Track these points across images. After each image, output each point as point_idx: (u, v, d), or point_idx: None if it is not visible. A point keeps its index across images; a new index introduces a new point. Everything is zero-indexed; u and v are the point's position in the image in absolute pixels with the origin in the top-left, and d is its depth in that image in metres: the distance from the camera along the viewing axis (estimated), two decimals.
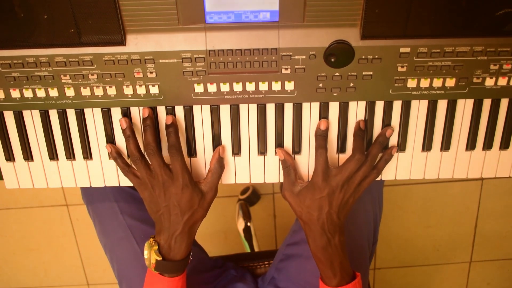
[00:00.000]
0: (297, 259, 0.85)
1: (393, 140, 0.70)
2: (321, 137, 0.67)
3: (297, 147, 0.70)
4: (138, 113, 0.68)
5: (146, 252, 0.70)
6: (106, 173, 0.71)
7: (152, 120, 0.66)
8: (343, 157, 0.70)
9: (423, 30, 0.61)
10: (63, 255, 1.68)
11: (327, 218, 0.67)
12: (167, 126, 0.67)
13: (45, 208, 1.60)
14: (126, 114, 0.68)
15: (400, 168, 0.72)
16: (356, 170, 0.66)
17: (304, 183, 0.69)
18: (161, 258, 0.68)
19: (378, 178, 0.72)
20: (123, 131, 0.67)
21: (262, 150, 0.70)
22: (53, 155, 0.70)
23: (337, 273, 0.69)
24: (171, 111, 0.67)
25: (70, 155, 0.70)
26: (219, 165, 0.69)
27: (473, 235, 1.64)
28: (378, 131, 0.69)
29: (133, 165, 0.68)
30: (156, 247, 0.69)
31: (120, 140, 0.69)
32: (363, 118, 0.68)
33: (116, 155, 0.68)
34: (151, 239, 0.70)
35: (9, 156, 0.70)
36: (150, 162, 0.66)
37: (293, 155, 0.70)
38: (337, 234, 0.68)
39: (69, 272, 1.71)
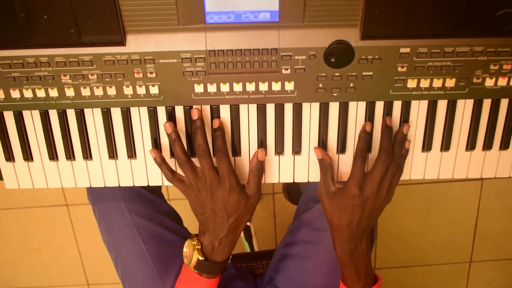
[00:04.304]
0: (295, 259, 0.85)
1: None
2: (365, 140, 0.67)
3: (297, 147, 0.70)
4: (138, 113, 0.68)
5: (186, 250, 0.70)
6: (106, 173, 0.71)
7: (202, 121, 0.66)
8: (343, 157, 0.70)
9: (423, 30, 0.61)
10: (63, 255, 1.68)
11: (357, 225, 0.67)
12: (214, 130, 0.67)
13: (45, 208, 1.60)
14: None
15: None
16: (384, 172, 0.66)
17: (340, 186, 0.68)
18: (203, 258, 0.69)
19: None
20: (169, 135, 0.67)
21: None
22: (53, 155, 0.70)
23: (362, 278, 0.69)
24: (171, 112, 0.67)
25: (70, 155, 0.70)
26: (258, 168, 0.68)
27: (473, 235, 1.64)
28: (379, 131, 0.69)
29: (179, 169, 0.68)
30: (199, 247, 0.70)
31: (120, 140, 0.69)
32: (363, 118, 0.68)
33: (160, 161, 0.68)
34: (195, 238, 0.71)
35: (9, 156, 0.70)
36: (199, 164, 0.66)
37: (293, 155, 0.70)
38: (364, 239, 0.69)
39: (69, 272, 1.71)
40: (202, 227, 0.70)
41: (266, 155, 0.70)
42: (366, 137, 0.67)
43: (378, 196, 0.67)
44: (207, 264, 0.70)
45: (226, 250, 0.70)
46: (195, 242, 0.70)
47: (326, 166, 0.68)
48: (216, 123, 0.67)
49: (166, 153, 0.70)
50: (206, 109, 0.67)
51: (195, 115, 0.66)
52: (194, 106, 0.67)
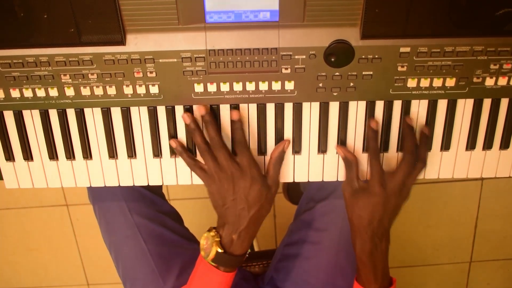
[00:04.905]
0: (296, 259, 0.85)
1: (393, 140, 0.70)
2: (374, 139, 0.67)
3: (297, 147, 0.70)
4: (138, 113, 0.68)
5: (203, 243, 0.70)
6: (106, 173, 0.71)
7: (211, 115, 0.66)
8: None
9: (423, 30, 0.61)
10: (63, 255, 1.68)
11: (378, 224, 0.67)
12: (233, 122, 0.66)
13: (45, 208, 1.60)
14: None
15: None
16: (408, 173, 0.66)
17: (362, 184, 0.68)
18: (223, 251, 0.68)
19: None
20: (188, 125, 0.66)
21: (262, 150, 0.70)
22: (53, 155, 0.70)
23: (379, 278, 0.70)
24: (171, 111, 0.67)
25: (70, 155, 0.70)
26: (280, 158, 0.68)
27: (473, 235, 1.64)
28: (379, 131, 0.69)
29: (200, 158, 0.67)
30: (218, 239, 0.69)
31: (120, 140, 0.69)
32: (363, 118, 0.68)
33: (181, 149, 0.68)
34: (213, 231, 0.70)
35: (9, 156, 0.70)
36: (217, 156, 0.66)
37: (293, 155, 0.70)
38: (384, 239, 0.69)
39: (69, 272, 1.71)
40: (221, 220, 0.69)
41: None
42: (374, 135, 0.67)
43: (400, 195, 0.67)
44: (226, 257, 0.69)
45: (245, 243, 0.69)
46: (214, 234, 0.69)
47: (350, 162, 0.68)
48: (235, 115, 0.66)
49: (166, 153, 0.70)
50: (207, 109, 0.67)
51: (202, 110, 0.66)
52: (194, 106, 0.67)
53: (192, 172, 0.71)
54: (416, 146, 0.68)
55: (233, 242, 0.69)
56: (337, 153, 0.70)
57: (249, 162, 0.66)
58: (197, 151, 0.69)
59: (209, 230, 0.70)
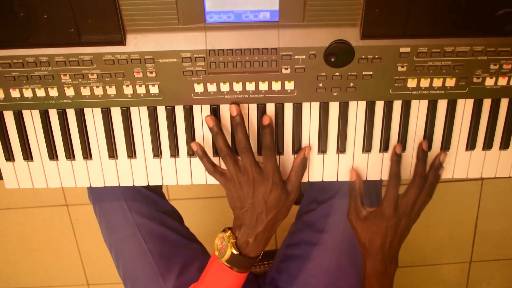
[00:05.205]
0: (297, 260, 0.85)
1: (393, 140, 0.70)
2: (397, 163, 0.67)
3: (297, 147, 0.70)
4: (138, 113, 0.68)
5: (218, 242, 0.70)
6: (106, 173, 0.71)
7: (241, 117, 0.65)
8: (343, 157, 0.70)
9: (423, 30, 0.61)
10: (63, 255, 1.68)
11: (389, 246, 0.69)
12: (263, 126, 0.66)
13: (45, 208, 1.60)
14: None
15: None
16: (418, 195, 0.67)
17: (370, 209, 0.69)
18: (238, 252, 0.69)
19: (378, 178, 0.72)
20: (211, 128, 0.66)
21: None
22: (53, 155, 0.70)
23: None
24: (171, 111, 0.67)
25: (70, 155, 0.70)
26: (302, 164, 0.68)
27: (473, 235, 1.64)
28: (379, 131, 0.69)
29: (222, 161, 0.67)
30: (234, 240, 0.69)
31: (120, 140, 0.69)
32: (363, 118, 0.68)
33: (202, 153, 0.68)
34: (229, 232, 0.70)
35: (9, 156, 0.70)
36: (241, 159, 0.66)
37: (293, 155, 0.70)
38: (393, 262, 0.70)
39: (69, 272, 1.71)
40: (238, 222, 0.70)
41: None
42: (398, 159, 0.67)
43: (410, 217, 0.68)
44: (241, 259, 0.69)
45: (260, 246, 0.70)
46: (229, 235, 0.69)
47: (357, 190, 0.69)
48: (266, 120, 0.65)
49: (166, 154, 0.70)
50: (206, 108, 0.67)
51: (234, 111, 0.65)
52: (194, 106, 0.67)
53: (192, 173, 0.71)
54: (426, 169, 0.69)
55: (248, 244, 0.69)
56: (338, 159, 0.70)
57: (273, 167, 0.66)
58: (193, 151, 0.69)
59: (224, 231, 0.71)
